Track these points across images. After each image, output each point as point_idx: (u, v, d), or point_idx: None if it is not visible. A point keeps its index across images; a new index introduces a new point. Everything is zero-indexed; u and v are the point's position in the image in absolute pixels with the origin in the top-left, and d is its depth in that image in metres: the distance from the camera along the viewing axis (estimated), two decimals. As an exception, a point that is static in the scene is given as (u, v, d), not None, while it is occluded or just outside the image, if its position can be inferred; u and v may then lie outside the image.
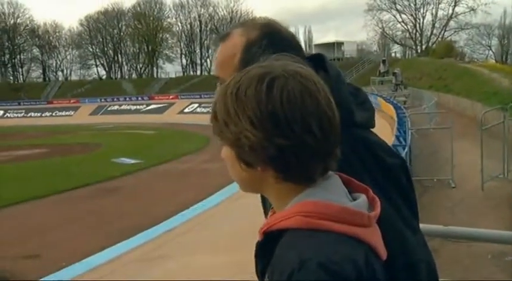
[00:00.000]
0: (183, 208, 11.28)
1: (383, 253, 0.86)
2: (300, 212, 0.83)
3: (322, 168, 0.86)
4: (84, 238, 9.38)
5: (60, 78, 74.80)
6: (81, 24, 74.40)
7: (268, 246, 0.87)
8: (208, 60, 73.05)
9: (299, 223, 0.82)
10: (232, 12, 71.15)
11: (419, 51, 63.34)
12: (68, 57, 76.42)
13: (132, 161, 19.57)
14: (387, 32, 65.81)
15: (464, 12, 61.14)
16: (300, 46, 1.27)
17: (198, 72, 71.85)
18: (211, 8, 72.05)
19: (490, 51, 63.40)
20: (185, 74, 71.62)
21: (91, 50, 75.53)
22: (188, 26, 73.00)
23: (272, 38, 1.21)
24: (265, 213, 1.37)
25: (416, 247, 1.07)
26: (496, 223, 6.98)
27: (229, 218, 10.19)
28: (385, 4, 64.26)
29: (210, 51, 73.08)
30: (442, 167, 11.05)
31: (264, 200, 1.38)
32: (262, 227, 0.89)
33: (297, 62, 0.89)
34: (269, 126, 0.82)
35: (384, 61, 40.79)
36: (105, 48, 74.94)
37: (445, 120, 14.29)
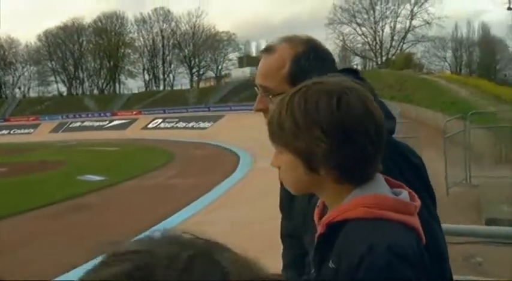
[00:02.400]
0: (153, 224, 11.11)
1: (423, 239, 0.97)
2: (363, 204, 0.94)
3: (375, 170, 0.98)
4: (55, 256, 9.15)
5: (17, 95, 72.82)
6: (40, 40, 72.89)
7: (329, 237, 0.97)
8: (171, 75, 72.81)
9: (362, 213, 0.93)
10: (195, 27, 71.37)
11: (379, 63, 65.01)
12: (26, 73, 74.61)
13: (98, 178, 19.22)
14: (348, 44, 67.40)
15: (420, 26, 63.61)
16: (334, 60, 1.43)
17: (161, 87, 71.37)
18: (173, 23, 72.05)
19: (446, 63, 65.91)
20: (148, 89, 70.95)
21: (50, 66, 73.88)
22: (150, 41, 72.61)
23: (316, 52, 1.37)
24: (282, 213, 1.48)
25: (442, 239, 1.19)
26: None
27: (198, 233, 10.13)
28: (345, 18, 65.91)
29: (172, 66, 72.88)
30: (409, 175, 11.32)
31: (281, 203, 1.48)
32: (324, 219, 0.99)
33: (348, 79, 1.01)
34: (339, 136, 0.93)
35: (345, 73, 41.53)
36: (65, 64, 73.48)
37: (409, 129, 14.67)
